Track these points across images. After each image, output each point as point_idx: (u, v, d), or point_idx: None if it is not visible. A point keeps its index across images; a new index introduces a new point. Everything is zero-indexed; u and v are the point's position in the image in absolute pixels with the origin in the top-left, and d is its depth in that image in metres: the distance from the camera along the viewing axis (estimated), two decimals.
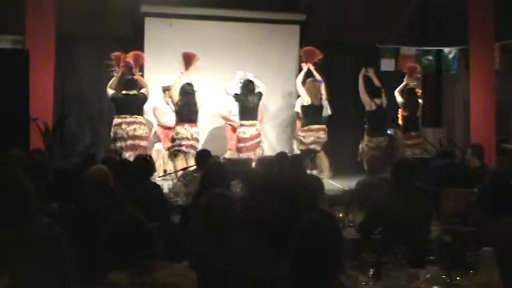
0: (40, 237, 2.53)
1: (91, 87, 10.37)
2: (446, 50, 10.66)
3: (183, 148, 8.88)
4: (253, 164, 7.69)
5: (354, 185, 6.26)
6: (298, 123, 9.93)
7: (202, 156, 6.61)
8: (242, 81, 9.31)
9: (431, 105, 11.41)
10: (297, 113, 9.98)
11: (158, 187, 5.61)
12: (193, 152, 8.68)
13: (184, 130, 8.91)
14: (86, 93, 10.39)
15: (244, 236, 3.25)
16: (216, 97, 10.13)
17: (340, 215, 5.08)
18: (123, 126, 8.76)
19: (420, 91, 9.92)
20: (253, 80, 9.43)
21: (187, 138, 8.91)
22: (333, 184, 8.55)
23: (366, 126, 9.43)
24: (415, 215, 4.35)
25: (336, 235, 2.66)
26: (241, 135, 9.17)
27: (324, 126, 9.47)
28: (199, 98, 9.06)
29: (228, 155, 9.44)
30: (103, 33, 10.19)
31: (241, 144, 9.17)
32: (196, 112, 9.01)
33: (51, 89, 9.06)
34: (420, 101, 9.89)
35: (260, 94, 9.30)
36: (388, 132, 9.72)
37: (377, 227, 4.48)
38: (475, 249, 3.39)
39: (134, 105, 8.89)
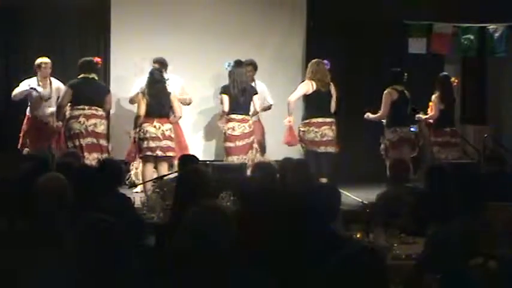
0: None
1: None
2: (491, 27, 10.67)
3: (158, 152, 8.85)
4: (248, 171, 7.68)
5: (374, 196, 6.26)
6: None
7: (187, 163, 6.59)
8: (230, 64, 9.25)
9: (472, 97, 11.41)
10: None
11: (128, 200, 5.61)
12: (170, 154, 8.74)
13: (154, 128, 8.88)
14: None
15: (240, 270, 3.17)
16: (201, 87, 10.18)
17: (358, 236, 5.06)
18: (81, 119, 8.79)
19: (456, 80, 9.91)
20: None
21: (158, 138, 8.89)
22: (348, 196, 8.53)
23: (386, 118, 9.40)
24: (453, 236, 4.34)
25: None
26: (229, 132, 9.12)
27: (330, 120, 9.29)
28: (173, 87, 9.10)
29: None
30: (58, 3, 10.17)
31: (230, 144, 9.13)
32: (168, 104, 9.00)
33: None
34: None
35: (255, 90, 9.31)
36: (412, 129, 9.67)
37: None
38: None
39: (94, 92, 8.91)
